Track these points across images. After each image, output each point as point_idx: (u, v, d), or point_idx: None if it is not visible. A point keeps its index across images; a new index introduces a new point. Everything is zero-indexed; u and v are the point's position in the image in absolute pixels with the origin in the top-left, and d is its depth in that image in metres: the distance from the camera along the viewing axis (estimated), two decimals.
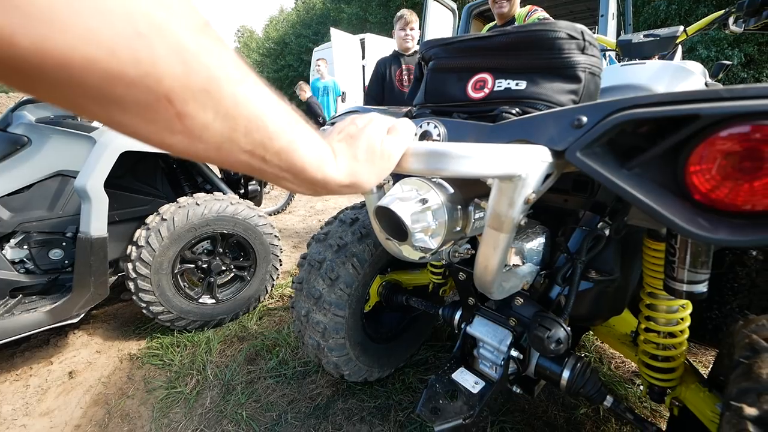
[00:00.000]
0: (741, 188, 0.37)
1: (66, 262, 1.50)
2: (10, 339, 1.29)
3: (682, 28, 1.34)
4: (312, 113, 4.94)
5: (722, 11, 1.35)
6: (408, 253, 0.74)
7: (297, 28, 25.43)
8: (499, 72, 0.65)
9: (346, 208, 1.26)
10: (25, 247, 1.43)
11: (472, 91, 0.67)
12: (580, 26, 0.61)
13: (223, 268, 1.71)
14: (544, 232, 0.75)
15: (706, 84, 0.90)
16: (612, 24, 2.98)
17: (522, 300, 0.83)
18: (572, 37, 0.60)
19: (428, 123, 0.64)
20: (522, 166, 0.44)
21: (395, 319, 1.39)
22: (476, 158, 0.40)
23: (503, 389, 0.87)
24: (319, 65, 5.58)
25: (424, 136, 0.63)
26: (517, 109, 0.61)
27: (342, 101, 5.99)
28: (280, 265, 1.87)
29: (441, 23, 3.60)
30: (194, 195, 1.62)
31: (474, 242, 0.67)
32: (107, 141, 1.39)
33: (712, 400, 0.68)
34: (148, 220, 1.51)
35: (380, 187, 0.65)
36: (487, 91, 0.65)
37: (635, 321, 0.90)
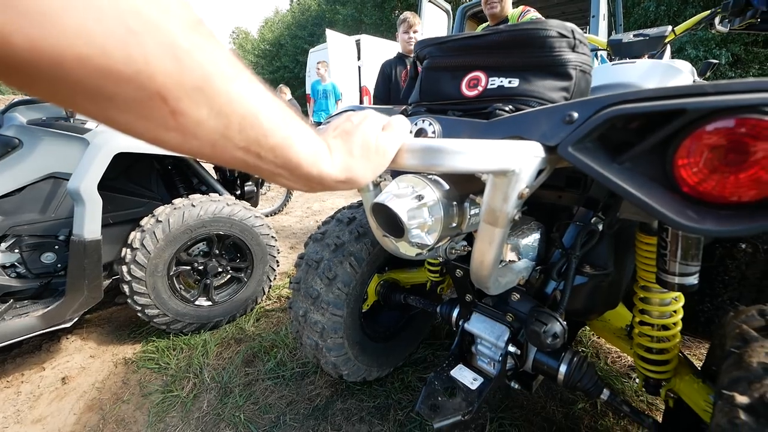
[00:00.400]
0: (727, 180, 0.38)
1: (59, 265, 1.48)
2: (1, 345, 1.26)
3: (670, 28, 1.38)
4: None
5: (708, 11, 1.39)
6: (405, 249, 0.74)
7: (292, 30, 25.38)
8: (493, 70, 0.66)
9: (343, 208, 1.26)
10: (17, 251, 1.40)
11: (466, 89, 0.68)
12: (570, 25, 0.62)
13: (220, 269, 1.70)
14: (538, 228, 0.76)
15: (693, 82, 0.92)
16: (603, 24, 3.03)
17: (518, 296, 0.84)
18: (563, 36, 0.61)
19: (423, 120, 0.65)
20: (515, 161, 0.45)
21: (393, 317, 1.39)
22: (471, 154, 0.41)
23: (501, 385, 0.88)
24: (319, 68, 5.57)
25: (420, 133, 0.64)
26: (510, 107, 0.62)
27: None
28: (278, 266, 1.86)
29: (436, 24, 3.64)
30: (190, 196, 1.61)
31: (470, 239, 0.67)
32: (101, 142, 1.38)
33: (705, 391, 0.70)
34: (143, 222, 1.49)
35: (377, 184, 0.65)
36: (480, 88, 0.66)
37: (630, 315, 0.91)
